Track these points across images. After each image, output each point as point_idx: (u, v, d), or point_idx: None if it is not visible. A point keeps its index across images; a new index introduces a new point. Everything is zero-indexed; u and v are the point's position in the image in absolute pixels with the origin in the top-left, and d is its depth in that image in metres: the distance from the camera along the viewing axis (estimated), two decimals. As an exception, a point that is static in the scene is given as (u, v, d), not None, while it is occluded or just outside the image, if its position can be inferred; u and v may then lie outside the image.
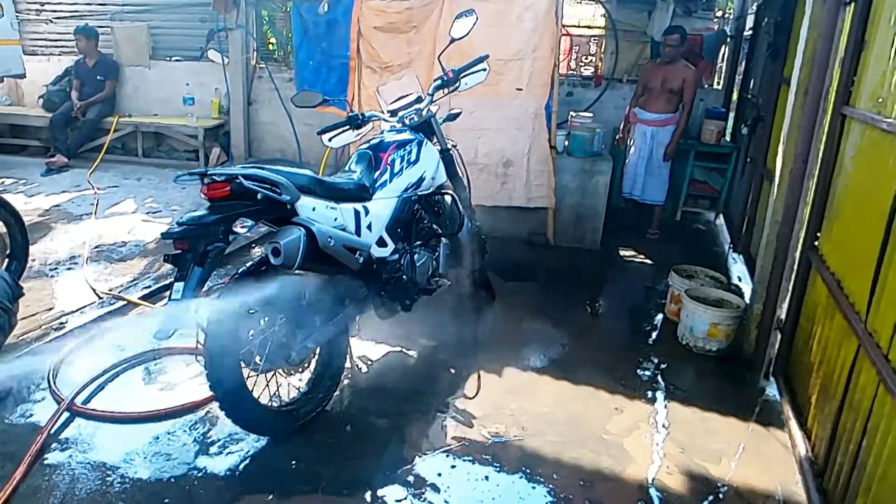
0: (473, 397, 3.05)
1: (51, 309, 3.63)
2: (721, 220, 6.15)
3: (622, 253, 5.22)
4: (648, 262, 5.09)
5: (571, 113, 5.47)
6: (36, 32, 7.87)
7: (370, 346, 3.43)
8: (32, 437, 2.51)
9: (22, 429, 2.62)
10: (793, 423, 2.81)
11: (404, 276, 3.07)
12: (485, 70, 3.46)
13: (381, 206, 2.95)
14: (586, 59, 7.03)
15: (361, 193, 2.87)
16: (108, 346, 3.29)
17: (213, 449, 2.58)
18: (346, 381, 3.08)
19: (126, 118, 7.20)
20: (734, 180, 5.89)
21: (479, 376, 3.24)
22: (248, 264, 2.50)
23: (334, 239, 2.52)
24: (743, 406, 3.05)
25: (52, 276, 4.10)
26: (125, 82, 7.42)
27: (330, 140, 3.44)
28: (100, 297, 3.79)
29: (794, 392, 3.01)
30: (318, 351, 2.81)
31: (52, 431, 2.58)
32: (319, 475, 2.46)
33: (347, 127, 3.36)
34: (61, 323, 3.46)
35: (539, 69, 4.88)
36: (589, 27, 6.92)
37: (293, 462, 2.52)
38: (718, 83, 6.66)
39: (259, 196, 2.30)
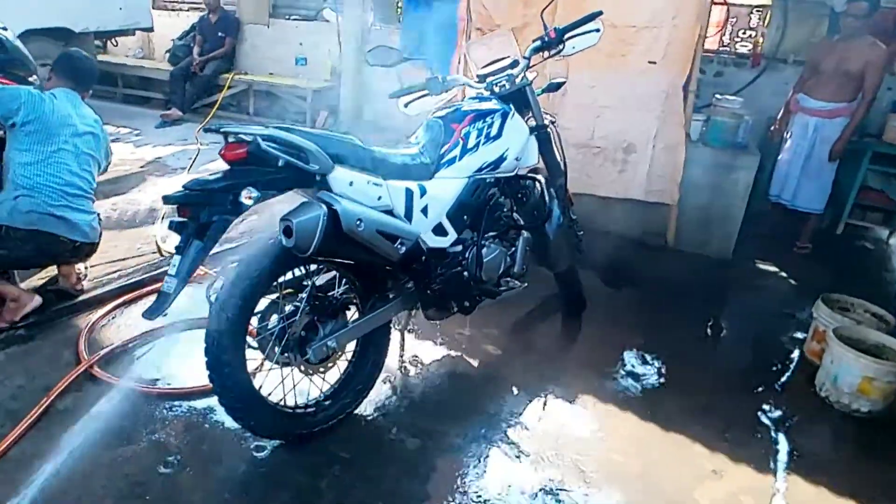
0: (532, 429, 2.50)
1: (112, 262, 3.50)
2: (897, 241, 5.01)
3: (759, 267, 4.35)
4: (792, 282, 4.19)
5: (716, 95, 4.62)
6: (167, -13, 8.17)
7: (426, 346, 2.98)
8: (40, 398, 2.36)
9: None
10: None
11: (465, 273, 2.55)
12: (598, 31, 2.79)
13: (444, 187, 2.45)
14: (744, 33, 6.00)
15: (419, 170, 2.39)
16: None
17: (203, 445, 2.26)
18: (386, 385, 2.65)
19: (242, 75, 7.28)
20: (921, 192, 4.73)
21: (544, 402, 2.68)
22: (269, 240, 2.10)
23: (364, 222, 2.06)
24: (896, 493, 2.28)
25: (126, 229, 4.01)
26: (244, 40, 7.49)
27: (406, 106, 2.96)
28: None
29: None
30: (353, 348, 2.43)
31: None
32: (321, 493, 2.09)
33: (426, 91, 2.86)
34: (110, 279, 3.31)
35: (678, 40, 4.09)
36: (753, -5, 5.91)
37: (297, 474, 2.15)
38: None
39: (280, 163, 1.91)
